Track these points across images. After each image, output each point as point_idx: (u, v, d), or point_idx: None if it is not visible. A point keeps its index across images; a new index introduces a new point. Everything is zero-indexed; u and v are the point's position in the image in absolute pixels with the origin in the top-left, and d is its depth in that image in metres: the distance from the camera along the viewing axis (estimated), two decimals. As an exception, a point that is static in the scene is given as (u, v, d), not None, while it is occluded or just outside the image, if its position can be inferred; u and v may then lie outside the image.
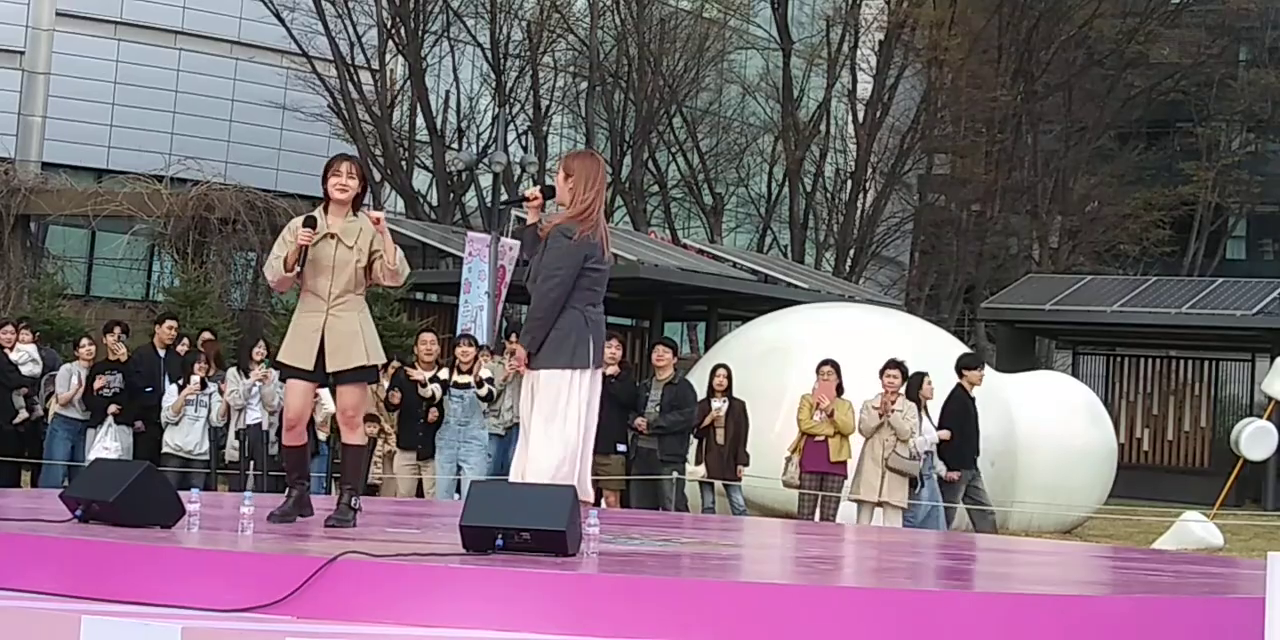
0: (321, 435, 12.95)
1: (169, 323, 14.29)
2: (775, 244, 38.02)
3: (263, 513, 7.26)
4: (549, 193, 7.37)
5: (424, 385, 12.69)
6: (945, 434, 13.47)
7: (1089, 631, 5.63)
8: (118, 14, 33.62)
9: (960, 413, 13.64)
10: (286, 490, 7.78)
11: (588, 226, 7.11)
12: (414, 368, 13.01)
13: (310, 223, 7.35)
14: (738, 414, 13.61)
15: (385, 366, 14.13)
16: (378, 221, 7.44)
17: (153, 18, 33.81)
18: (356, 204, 7.53)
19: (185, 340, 14.19)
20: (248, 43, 34.32)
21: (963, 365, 14.05)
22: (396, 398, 13.08)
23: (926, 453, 13.14)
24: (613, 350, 12.43)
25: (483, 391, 12.60)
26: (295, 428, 7.67)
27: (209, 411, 13.12)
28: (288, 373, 7.56)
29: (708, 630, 5.31)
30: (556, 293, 7.06)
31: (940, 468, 13.57)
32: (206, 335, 14.53)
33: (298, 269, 7.33)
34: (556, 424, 7.04)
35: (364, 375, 7.54)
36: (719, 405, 13.59)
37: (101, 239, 29.17)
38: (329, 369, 7.42)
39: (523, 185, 31.36)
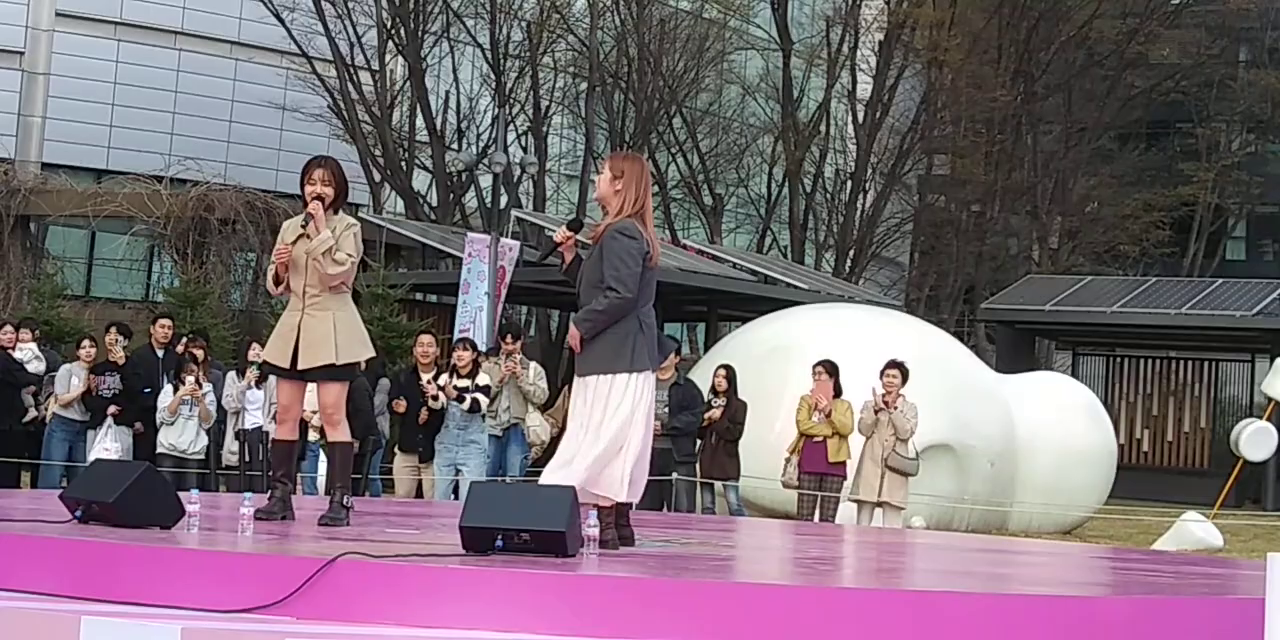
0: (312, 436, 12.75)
1: (162, 321, 14.25)
2: (775, 245, 37.98)
3: (262, 514, 7.29)
4: (576, 226, 7.24)
5: (435, 397, 12.37)
6: None
7: (1089, 632, 5.64)
8: (117, 14, 33.56)
9: None
10: (270, 489, 7.73)
11: (647, 228, 6.99)
12: (417, 371, 12.89)
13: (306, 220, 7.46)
14: (733, 414, 13.61)
15: (382, 369, 14.17)
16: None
17: (152, 18, 33.76)
18: (337, 204, 7.57)
19: (183, 340, 14.17)
20: (247, 43, 34.26)
21: None
22: (401, 407, 12.75)
23: None
24: None
25: (465, 405, 12.25)
26: (285, 422, 7.70)
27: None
28: (269, 370, 7.72)
29: (707, 631, 5.31)
30: (632, 293, 6.83)
31: None
32: (200, 341, 14.51)
33: (287, 279, 7.50)
34: (605, 427, 6.86)
35: (337, 373, 7.49)
36: (715, 403, 13.60)
37: (101, 239, 29.17)
38: (300, 367, 7.44)
39: (522, 186, 31.37)
